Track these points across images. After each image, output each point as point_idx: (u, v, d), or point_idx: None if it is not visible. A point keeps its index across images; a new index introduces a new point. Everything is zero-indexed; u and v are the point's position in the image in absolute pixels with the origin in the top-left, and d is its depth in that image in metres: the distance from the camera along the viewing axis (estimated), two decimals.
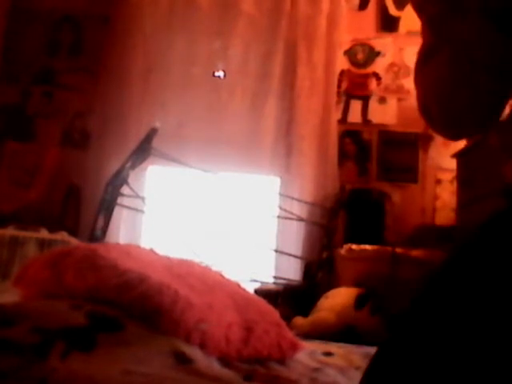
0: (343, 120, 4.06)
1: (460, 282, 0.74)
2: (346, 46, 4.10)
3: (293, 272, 3.65)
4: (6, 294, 1.74)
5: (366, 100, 4.08)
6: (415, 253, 3.28)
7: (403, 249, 3.33)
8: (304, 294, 3.32)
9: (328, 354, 1.87)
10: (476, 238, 0.80)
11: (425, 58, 0.93)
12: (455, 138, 1.06)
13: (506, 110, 0.91)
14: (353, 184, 3.99)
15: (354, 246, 3.38)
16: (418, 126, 3.94)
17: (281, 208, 3.79)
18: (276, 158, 3.96)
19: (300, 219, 3.75)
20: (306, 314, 2.97)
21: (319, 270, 3.47)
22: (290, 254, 3.67)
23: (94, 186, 3.69)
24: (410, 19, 4.01)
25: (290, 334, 1.73)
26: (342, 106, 4.07)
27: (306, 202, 3.80)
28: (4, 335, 1.17)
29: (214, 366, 1.34)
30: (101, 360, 1.15)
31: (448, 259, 0.80)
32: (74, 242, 3.20)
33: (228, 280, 1.84)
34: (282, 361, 1.62)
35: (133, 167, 3.33)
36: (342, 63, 4.08)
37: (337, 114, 4.02)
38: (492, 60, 0.81)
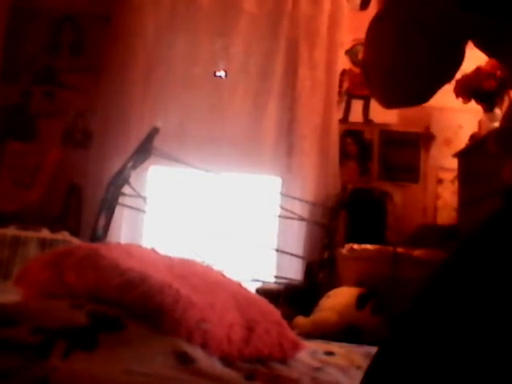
0: (344, 120, 4.06)
1: (461, 281, 0.74)
2: (348, 46, 4.10)
3: (294, 272, 3.65)
4: (8, 293, 1.74)
5: (367, 100, 4.07)
6: (417, 252, 3.28)
7: (404, 248, 3.33)
8: (305, 293, 3.32)
9: (329, 353, 1.88)
10: (476, 238, 0.80)
11: (375, 20, 0.92)
12: (391, 104, 1.04)
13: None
14: (354, 184, 3.98)
15: (355, 246, 3.38)
16: (419, 125, 3.94)
17: (282, 208, 3.79)
18: (277, 157, 3.96)
19: (301, 219, 3.75)
20: (307, 314, 2.97)
21: (320, 270, 3.47)
22: (292, 254, 3.67)
23: (95, 186, 3.69)
24: None
25: (291, 334, 1.73)
26: (343, 105, 4.07)
27: (307, 202, 3.80)
28: (6, 335, 1.18)
29: (215, 366, 1.34)
30: (102, 359, 1.15)
31: (448, 259, 0.80)
32: (75, 241, 3.20)
33: (229, 280, 1.84)
34: (283, 360, 1.62)
35: (134, 167, 3.33)
36: (343, 63, 4.07)
37: (338, 114, 4.02)
38: (438, 25, 0.80)
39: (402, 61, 0.87)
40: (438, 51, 0.85)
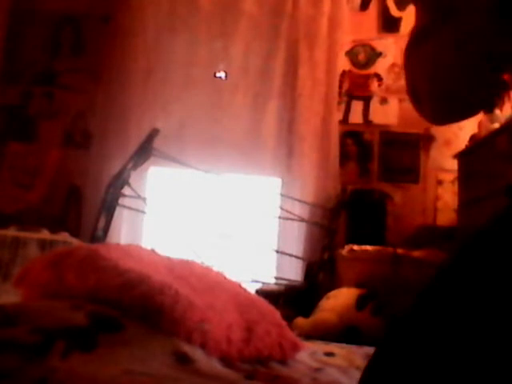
0: (344, 121, 4.05)
1: (462, 283, 0.74)
2: (348, 47, 4.10)
3: (294, 273, 3.65)
4: (8, 294, 1.75)
5: (367, 101, 4.07)
6: (416, 253, 3.28)
7: (404, 249, 3.32)
8: (305, 294, 3.32)
9: (329, 354, 1.88)
10: (479, 239, 0.79)
11: (418, 38, 0.92)
12: (442, 122, 1.05)
13: None
14: (354, 185, 3.98)
15: (355, 247, 3.38)
16: (419, 126, 3.94)
17: (282, 209, 3.79)
18: (277, 158, 3.96)
19: (301, 220, 3.75)
20: (307, 315, 2.97)
21: (320, 271, 3.47)
22: (292, 255, 3.67)
23: (95, 187, 3.69)
24: (411, 20, 4.00)
25: (291, 334, 1.73)
26: (343, 106, 4.07)
27: (307, 203, 3.80)
28: (5, 335, 1.18)
29: (214, 366, 1.34)
30: (101, 360, 1.15)
31: (450, 260, 0.79)
32: (75, 242, 3.20)
33: (229, 280, 1.84)
34: (283, 361, 1.62)
35: (134, 168, 3.33)
36: (343, 64, 4.07)
37: (338, 115, 4.02)
38: (488, 47, 0.81)
39: (460, 83, 0.87)
40: (489, 69, 0.85)
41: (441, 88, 0.90)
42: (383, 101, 4.07)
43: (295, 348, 1.70)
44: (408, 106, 4.56)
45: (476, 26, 0.80)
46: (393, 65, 4.08)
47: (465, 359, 0.66)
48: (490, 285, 0.70)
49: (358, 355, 1.90)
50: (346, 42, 4.08)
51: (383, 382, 0.71)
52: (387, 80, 4.08)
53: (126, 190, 3.35)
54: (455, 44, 0.84)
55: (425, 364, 0.68)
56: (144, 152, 3.34)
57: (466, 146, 3.58)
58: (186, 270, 1.71)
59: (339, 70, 4.05)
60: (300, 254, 3.72)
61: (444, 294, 0.74)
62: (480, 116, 3.55)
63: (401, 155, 4.04)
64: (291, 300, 3.21)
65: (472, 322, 0.68)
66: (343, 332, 2.77)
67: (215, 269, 1.90)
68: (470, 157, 3.38)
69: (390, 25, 4.12)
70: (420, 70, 0.93)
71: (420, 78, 0.93)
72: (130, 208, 3.52)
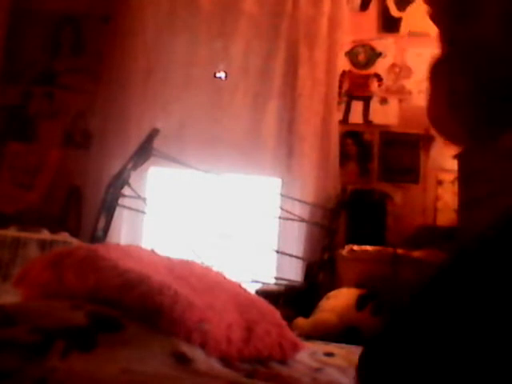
0: (344, 121, 4.05)
1: (460, 284, 0.73)
2: (348, 47, 4.10)
3: (294, 273, 3.65)
4: (8, 294, 1.75)
5: (367, 101, 4.07)
6: (416, 253, 3.28)
7: (404, 249, 3.32)
8: (305, 294, 3.32)
9: (329, 354, 1.88)
10: (479, 240, 0.79)
11: (440, 63, 0.92)
12: (465, 144, 1.05)
13: None
14: (354, 185, 3.98)
15: (355, 247, 3.38)
16: (419, 126, 3.94)
17: (282, 209, 3.79)
18: (277, 158, 3.96)
19: (301, 220, 3.75)
20: (307, 315, 2.97)
21: (320, 271, 3.47)
22: (292, 255, 3.67)
23: (95, 187, 3.68)
24: (411, 20, 4.01)
25: (291, 335, 1.73)
26: (343, 106, 4.06)
27: (307, 203, 3.79)
28: (4, 335, 1.18)
29: (214, 366, 1.34)
30: (100, 359, 1.15)
31: (449, 262, 0.79)
32: (75, 242, 3.20)
33: (229, 280, 1.84)
34: (283, 361, 1.62)
35: (134, 168, 3.33)
36: (343, 64, 4.07)
37: (338, 115, 4.02)
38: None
39: (470, 109, 0.87)
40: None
41: (458, 112, 0.90)
42: (383, 101, 4.07)
43: (295, 348, 1.70)
44: (408, 105, 4.57)
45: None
46: (393, 65, 4.08)
47: (460, 361, 0.66)
48: (488, 287, 0.70)
49: (357, 355, 1.90)
50: (346, 42, 4.08)
51: (375, 379, 0.71)
52: (387, 80, 4.08)
53: (126, 190, 3.35)
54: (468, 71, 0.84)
55: (417, 364, 0.68)
56: (144, 152, 3.34)
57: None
58: (185, 270, 1.71)
59: (339, 70, 4.05)
60: (300, 254, 3.72)
61: (442, 294, 0.74)
62: None
63: (401, 155, 4.04)
64: (291, 300, 3.21)
65: (470, 324, 0.68)
66: (343, 332, 2.77)
67: (215, 269, 1.90)
68: (471, 157, 3.37)
69: (389, 25, 4.12)
70: (438, 94, 0.93)
71: (439, 102, 0.93)
72: (130, 208, 3.52)
